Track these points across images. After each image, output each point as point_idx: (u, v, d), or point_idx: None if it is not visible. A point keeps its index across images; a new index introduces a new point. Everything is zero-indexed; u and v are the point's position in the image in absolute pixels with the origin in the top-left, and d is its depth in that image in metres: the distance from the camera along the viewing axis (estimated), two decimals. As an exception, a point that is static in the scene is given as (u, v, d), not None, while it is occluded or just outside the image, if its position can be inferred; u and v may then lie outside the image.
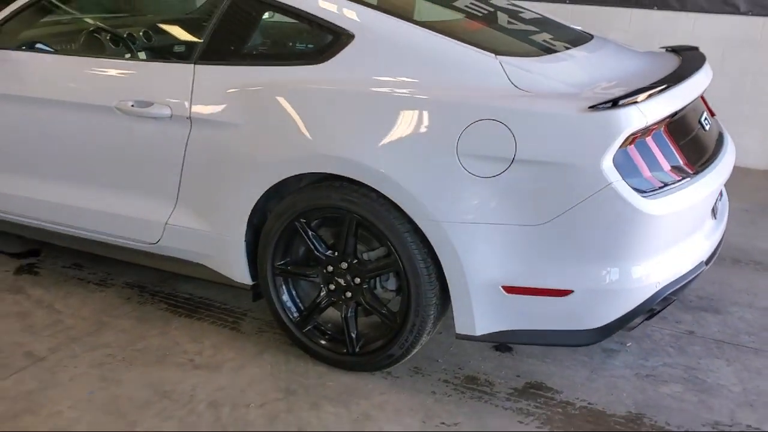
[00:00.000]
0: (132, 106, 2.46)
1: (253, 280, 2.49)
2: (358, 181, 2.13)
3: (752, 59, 4.52)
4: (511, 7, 2.86)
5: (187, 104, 2.38)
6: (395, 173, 2.05)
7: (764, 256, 3.36)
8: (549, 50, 2.40)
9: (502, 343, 2.49)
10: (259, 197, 2.31)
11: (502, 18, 2.71)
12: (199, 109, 2.37)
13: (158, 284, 2.94)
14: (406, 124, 2.07)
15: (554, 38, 2.62)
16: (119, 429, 2.07)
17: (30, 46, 2.81)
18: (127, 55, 2.86)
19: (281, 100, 2.25)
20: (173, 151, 2.45)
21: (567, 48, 2.43)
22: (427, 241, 2.09)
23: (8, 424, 2.08)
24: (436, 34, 2.22)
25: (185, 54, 2.65)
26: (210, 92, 2.37)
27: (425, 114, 2.05)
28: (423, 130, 2.04)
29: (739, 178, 3.06)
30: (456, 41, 2.19)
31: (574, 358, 2.47)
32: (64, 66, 2.71)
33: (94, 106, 2.55)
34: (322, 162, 2.17)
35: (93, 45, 3.02)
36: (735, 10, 4.54)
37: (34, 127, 2.70)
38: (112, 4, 3.22)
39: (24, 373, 2.33)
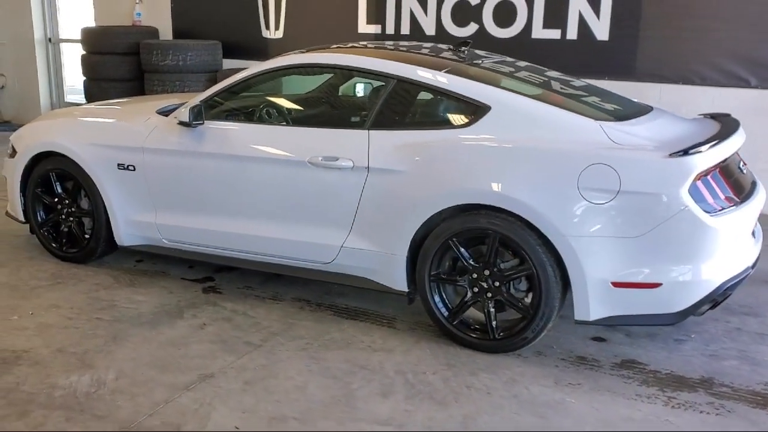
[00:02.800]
0: (321, 160, 3.37)
1: (408, 288, 3.33)
2: (501, 209, 3.01)
3: (765, 124, 5.45)
4: (563, 77, 3.80)
5: (365, 158, 3.29)
6: (532, 202, 2.93)
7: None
8: (627, 117, 3.30)
9: (608, 326, 3.29)
10: (422, 223, 3.18)
11: (566, 89, 3.63)
12: (374, 161, 3.28)
13: (319, 298, 3.78)
14: (538, 167, 2.97)
15: (623, 106, 3.53)
16: (338, 389, 2.87)
17: (233, 117, 3.79)
18: (310, 125, 3.80)
19: (439, 153, 3.16)
20: (352, 192, 3.34)
21: (640, 115, 3.35)
22: (554, 251, 2.95)
23: (258, 386, 2.89)
24: (547, 104, 3.16)
25: (359, 123, 3.59)
26: (382, 149, 3.29)
27: (552, 160, 2.96)
28: (552, 171, 2.95)
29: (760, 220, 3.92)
30: (562, 109, 3.12)
31: (654, 344, 3.28)
32: (263, 132, 3.66)
33: (290, 161, 3.46)
34: (474, 196, 3.06)
35: (280, 116, 3.99)
36: (747, 85, 5.52)
37: (237, 176, 3.60)
38: (279, 86, 4.21)
39: (251, 354, 3.15)
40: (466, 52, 3.78)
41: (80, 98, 9.20)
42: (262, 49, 7.32)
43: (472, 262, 3.17)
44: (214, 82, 7.25)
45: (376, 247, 3.36)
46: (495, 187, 3.02)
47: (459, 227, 3.13)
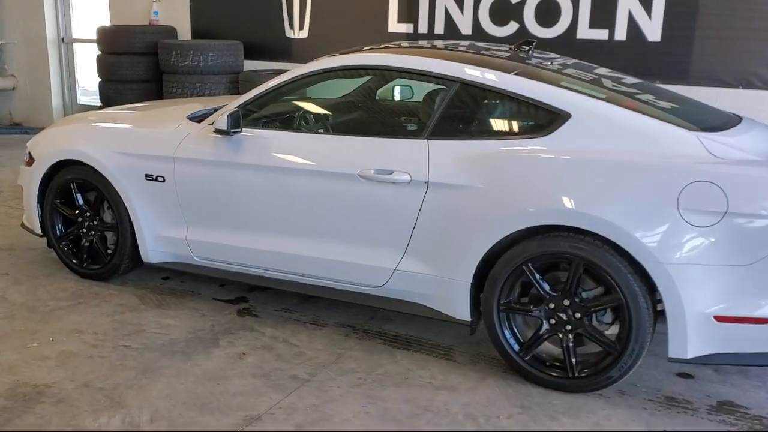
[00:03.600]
0: (373, 173, 3.03)
1: (471, 317, 2.99)
2: (587, 231, 2.66)
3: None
4: (643, 82, 3.44)
5: (424, 171, 2.95)
6: (624, 223, 2.57)
7: None
8: (719, 127, 2.95)
9: (703, 364, 2.91)
10: (491, 246, 2.83)
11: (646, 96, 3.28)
12: (435, 175, 2.93)
13: (365, 324, 3.44)
14: (630, 184, 2.62)
15: (710, 115, 3.17)
16: (401, 434, 2.54)
17: (272, 124, 3.45)
18: (359, 133, 3.39)
19: (513, 166, 2.81)
20: (409, 209, 3.00)
21: (731, 126, 2.99)
22: (647, 280, 2.60)
23: (312, 426, 2.55)
24: (635, 112, 2.80)
25: (415, 131, 3.25)
26: (443, 161, 2.94)
27: (647, 176, 2.61)
28: (647, 189, 2.59)
29: None
30: (653, 118, 2.77)
31: (748, 382, 2.93)
32: (307, 141, 3.31)
33: (338, 174, 3.11)
34: (555, 216, 2.71)
35: (323, 123, 3.64)
36: (809, 88, 5.16)
37: (278, 190, 3.26)
38: (314, 91, 3.86)
39: (299, 391, 2.81)
40: (530, 52, 3.43)
41: (94, 100, 8.90)
42: (285, 50, 6.99)
43: (550, 291, 2.83)
44: (236, 84, 6.93)
45: (435, 271, 3.01)
46: (579, 206, 2.66)
47: (535, 251, 2.78)
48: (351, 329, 3.39)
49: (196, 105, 4.16)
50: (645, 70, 5.44)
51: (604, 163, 2.70)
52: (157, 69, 7.06)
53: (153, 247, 3.69)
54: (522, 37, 5.85)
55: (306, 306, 3.63)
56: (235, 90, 6.86)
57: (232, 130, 3.28)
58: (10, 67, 8.84)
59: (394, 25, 6.46)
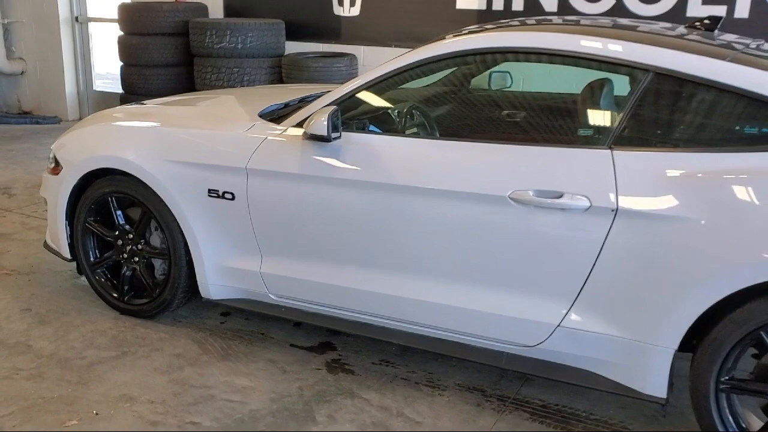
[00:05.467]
0: (533, 195, 2.23)
1: (667, 393, 2.20)
2: None
3: None
4: None
5: (612, 195, 2.15)
6: None
7: None
8: None
9: None
10: (715, 302, 2.04)
11: None
12: (627, 199, 2.13)
13: (494, 386, 2.65)
14: None
15: None
16: None
17: (379, 127, 2.65)
18: (507, 140, 2.56)
19: (748, 191, 2.01)
20: (584, 246, 2.20)
21: None
22: None
23: None
24: None
25: (592, 137, 2.43)
26: (639, 181, 2.13)
27: None
28: None
29: None
30: None
31: None
32: (433, 151, 2.48)
33: (478, 196, 2.31)
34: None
35: (454, 126, 2.82)
36: None
37: (392, 215, 2.47)
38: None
39: (447, 505, 2.04)
40: (717, 33, 2.62)
41: (111, 86, 8.07)
42: (333, 30, 6.14)
43: (796, 366, 2.04)
44: (278, 68, 6.08)
45: (620, 332, 2.22)
46: None
47: (781, 312, 2.00)
48: (480, 395, 2.60)
49: (260, 97, 3.37)
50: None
51: None
52: (187, 51, 6.22)
53: (216, 281, 2.90)
54: (619, 14, 5.04)
55: (409, 357, 2.84)
56: (277, 75, 6.03)
57: (333, 135, 2.49)
58: (18, 50, 7.96)
59: (464, 2, 5.63)
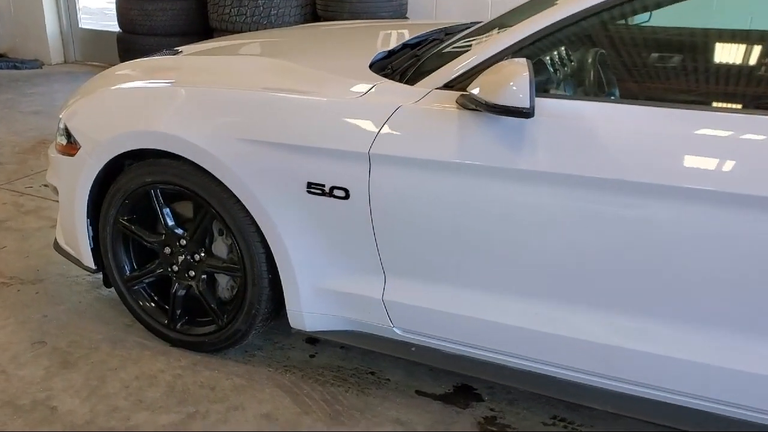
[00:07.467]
0: None
1: None
2: None
3: None
4: None
5: None
6: None
7: None
8: None
9: None
10: None
11: None
12: None
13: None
14: None
15: None
16: None
17: (593, 90, 1.78)
18: None
19: None
20: None
21: None
22: None
23: None
24: None
25: None
26: None
27: None
28: None
29: None
30: None
31: None
32: (685, 128, 1.57)
33: (759, 198, 1.47)
34: None
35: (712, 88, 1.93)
36: None
37: (611, 226, 1.61)
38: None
39: None
40: None
41: (100, 24, 6.96)
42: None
43: None
44: (312, 1, 5.08)
45: None
46: None
47: None
48: (716, 475, 1.85)
49: (341, 41, 2.46)
50: None
51: None
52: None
53: (314, 308, 2.04)
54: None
55: (584, 411, 2.04)
56: (311, 9, 5.01)
57: (531, 109, 1.59)
58: (-14, -20, 6.82)
59: None
